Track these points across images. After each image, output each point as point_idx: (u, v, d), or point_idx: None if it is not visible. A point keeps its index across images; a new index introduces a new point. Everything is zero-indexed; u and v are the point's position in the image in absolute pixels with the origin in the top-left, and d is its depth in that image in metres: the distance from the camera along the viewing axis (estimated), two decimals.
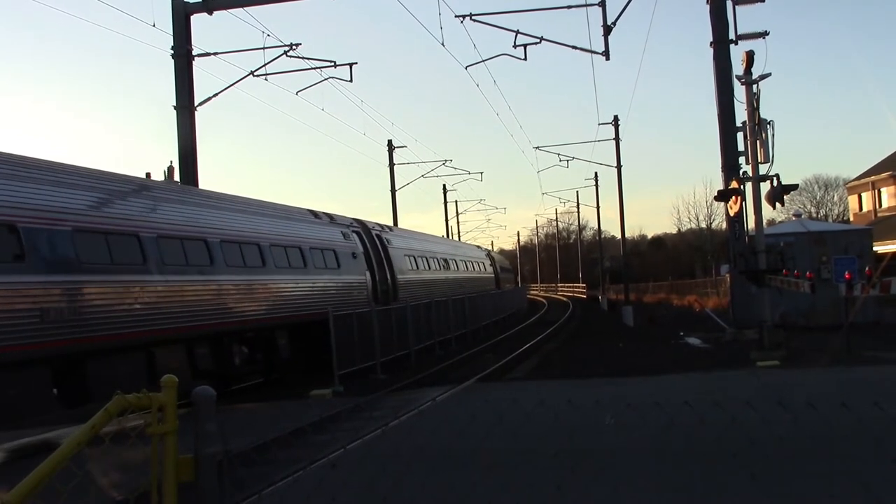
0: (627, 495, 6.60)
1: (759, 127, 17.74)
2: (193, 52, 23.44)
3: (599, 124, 54.93)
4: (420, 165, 53.19)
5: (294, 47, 23.95)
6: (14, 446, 11.83)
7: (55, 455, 2.98)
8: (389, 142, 48.06)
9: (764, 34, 21.11)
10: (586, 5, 23.68)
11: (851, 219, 59.79)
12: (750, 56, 17.86)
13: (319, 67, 25.89)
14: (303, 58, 24.93)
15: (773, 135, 17.81)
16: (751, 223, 19.97)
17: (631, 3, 23.54)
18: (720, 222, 66.95)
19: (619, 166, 49.15)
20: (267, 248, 18.21)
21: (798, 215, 35.31)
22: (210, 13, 23.25)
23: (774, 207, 18.96)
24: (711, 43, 22.65)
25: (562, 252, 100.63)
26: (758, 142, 17.80)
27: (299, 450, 9.56)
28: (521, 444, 7.40)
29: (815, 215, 66.99)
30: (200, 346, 15.60)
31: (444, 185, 66.57)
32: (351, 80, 26.31)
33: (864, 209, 56.76)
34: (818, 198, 72.79)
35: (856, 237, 25.67)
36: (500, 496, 6.23)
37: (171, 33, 23.14)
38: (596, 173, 62.73)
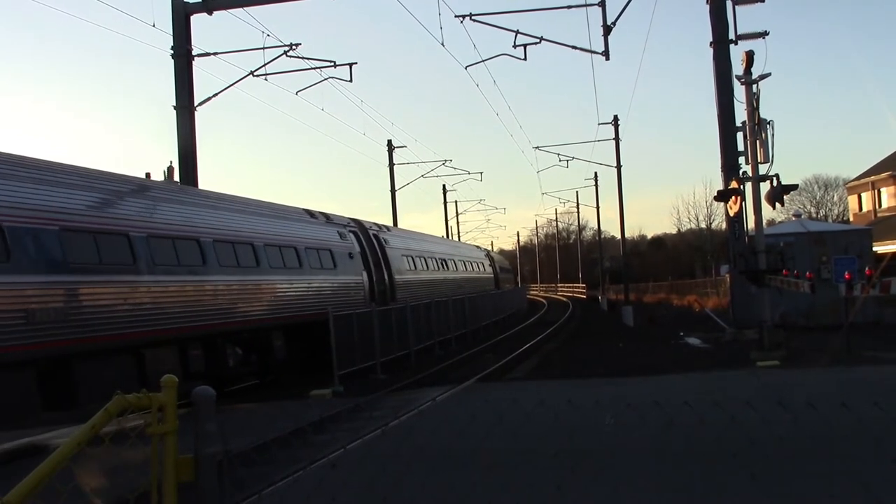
0: (627, 495, 6.59)
1: (758, 127, 17.74)
2: (193, 52, 23.44)
3: (599, 124, 55.06)
4: (420, 165, 53.23)
5: (294, 47, 23.98)
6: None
7: (55, 455, 2.98)
8: (389, 142, 48.09)
9: (764, 34, 21.13)
10: (586, 5, 23.70)
11: (851, 219, 59.80)
12: (750, 56, 17.85)
13: (319, 67, 25.92)
14: (303, 58, 24.97)
15: (773, 135, 17.82)
16: (751, 223, 19.99)
17: (631, 3, 23.59)
18: (720, 222, 66.97)
19: (618, 166, 49.21)
20: (261, 248, 18.01)
21: (798, 215, 35.33)
22: (210, 13, 23.25)
23: (774, 207, 18.96)
24: (711, 43, 22.67)
25: (562, 252, 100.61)
26: (758, 142, 17.80)
27: (299, 450, 9.55)
28: (521, 444, 7.40)
29: (814, 215, 66.99)
30: (193, 348, 15.35)
31: (444, 185, 66.67)
32: (351, 80, 26.35)
33: (864, 209, 56.77)
34: (818, 198, 72.85)
35: (856, 237, 25.67)
36: (500, 496, 6.23)
37: (171, 33, 23.14)
38: (596, 173, 62.86)
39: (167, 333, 14.24)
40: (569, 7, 23.79)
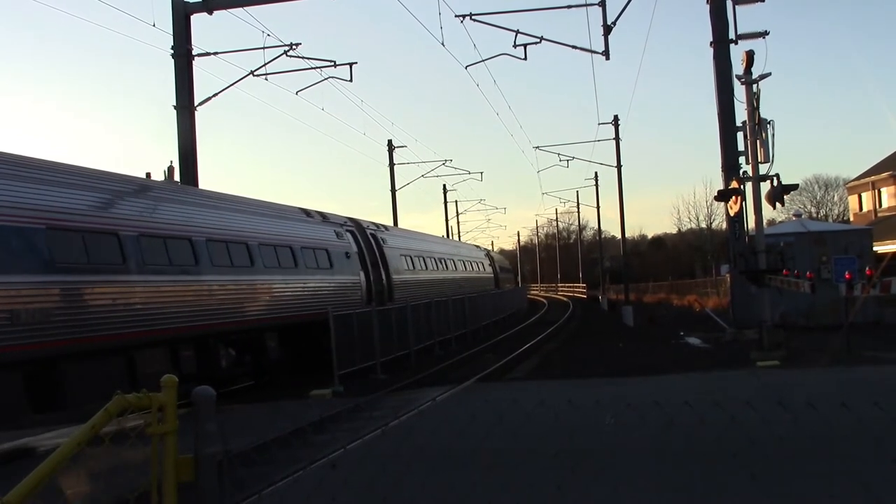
0: (627, 495, 6.59)
1: (759, 127, 17.74)
2: (193, 52, 23.46)
3: (599, 124, 55.10)
4: (420, 165, 53.20)
5: (294, 47, 23.98)
6: None
7: (55, 455, 2.98)
8: (389, 142, 48.11)
9: (764, 34, 21.15)
10: (586, 5, 23.72)
11: (851, 219, 59.80)
12: (750, 56, 17.85)
13: (319, 67, 25.93)
14: (303, 58, 24.98)
15: (773, 135, 17.82)
16: (751, 223, 20.00)
17: (631, 3, 23.60)
18: (720, 222, 67.01)
19: (619, 166, 49.21)
20: (256, 248, 17.80)
21: (798, 215, 35.29)
22: (210, 13, 23.26)
23: (774, 207, 18.97)
24: (711, 43, 22.67)
25: (562, 252, 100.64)
26: (758, 142, 17.80)
27: (299, 450, 9.55)
28: (521, 444, 7.40)
29: (815, 215, 66.98)
30: (185, 349, 15.10)
31: (444, 185, 66.67)
32: (351, 80, 26.36)
33: (864, 209, 56.77)
34: (818, 198, 72.85)
35: (856, 237, 25.67)
36: (500, 496, 6.22)
37: (171, 33, 23.16)
38: (596, 173, 62.82)
39: (158, 334, 13.99)
40: (569, 7, 23.82)
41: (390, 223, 39.77)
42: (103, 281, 12.90)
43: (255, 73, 24.58)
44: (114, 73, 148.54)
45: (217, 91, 24.79)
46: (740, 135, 18.90)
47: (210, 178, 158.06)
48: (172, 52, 23.24)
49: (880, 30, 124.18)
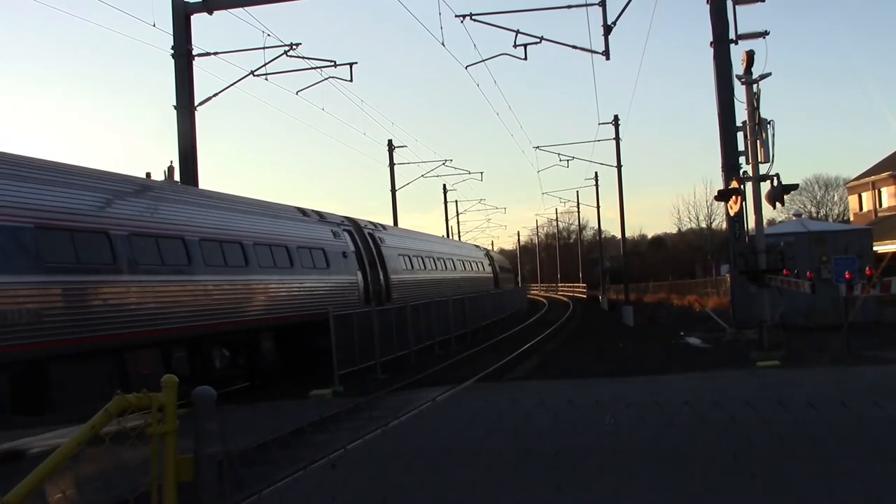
0: (627, 495, 6.59)
1: (759, 127, 17.73)
2: (193, 52, 23.44)
3: (599, 124, 55.10)
4: (420, 165, 53.29)
5: (294, 47, 23.97)
6: None
7: (55, 455, 2.98)
8: (389, 141, 48.10)
9: (764, 34, 21.11)
10: (586, 5, 23.70)
11: (851, 219, 59.79)
12: (750, 56, 17.84)
13: (319, 67, 25.92)
14: (303, 58, 24.97)
15: (774, 134, 17.80)
16: (751, 223, 19.98)
17: (631, 3, 23.56)
18: (720, 222, 67.04)
19: (619, 166, 49.23)
20: (250, 247, 17.62)
21: (798, 215, 35.26)
22: (210, 13, 23.24)
23: (774, 207, 18.95)
24: (711, 43, 22.64)
25: (562, 252, 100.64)
26: (758, 141, 17.79)
27: (299, 450, 9.55)
28: (521, 444, 7.39)
29: (815, 215, 66.95)
30: (177, 350, 14.92)
31: (444, 185, 66.69)
32: (351, 80, 26.35)
33: (865, 209, 56.77)
34: (818, 198, 72.83)
35: (856, 237, 25.65)
36: (500, 496, 6.23)
37: (171, 33, 23.14)
38: (596, 173, 62.89)
39: (149, 335, 13.79)
40: (569, 7, 23.81)
41: (390, 223, 39.77)
42: (92, 281, 12.71)
43: (255, 73, 24.58)
44: (114, 73, 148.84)
45: (217, 91, 24.81)
46: (740, 135, 18.89)
47: (210, 178, 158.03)
48: (172, 52, 23.22)
49: (880, 30, 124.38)
